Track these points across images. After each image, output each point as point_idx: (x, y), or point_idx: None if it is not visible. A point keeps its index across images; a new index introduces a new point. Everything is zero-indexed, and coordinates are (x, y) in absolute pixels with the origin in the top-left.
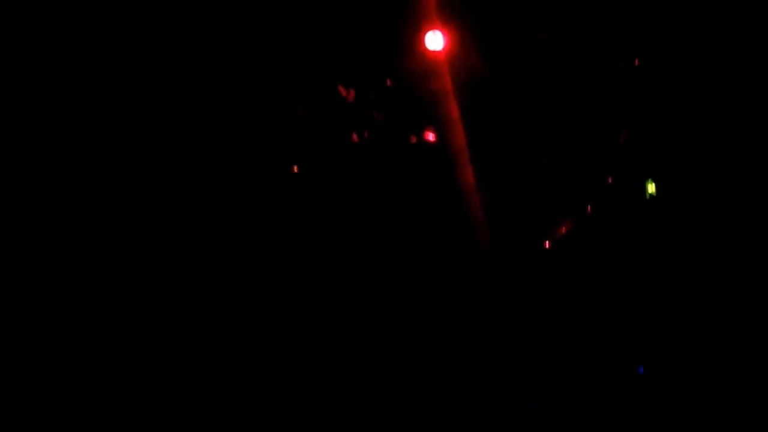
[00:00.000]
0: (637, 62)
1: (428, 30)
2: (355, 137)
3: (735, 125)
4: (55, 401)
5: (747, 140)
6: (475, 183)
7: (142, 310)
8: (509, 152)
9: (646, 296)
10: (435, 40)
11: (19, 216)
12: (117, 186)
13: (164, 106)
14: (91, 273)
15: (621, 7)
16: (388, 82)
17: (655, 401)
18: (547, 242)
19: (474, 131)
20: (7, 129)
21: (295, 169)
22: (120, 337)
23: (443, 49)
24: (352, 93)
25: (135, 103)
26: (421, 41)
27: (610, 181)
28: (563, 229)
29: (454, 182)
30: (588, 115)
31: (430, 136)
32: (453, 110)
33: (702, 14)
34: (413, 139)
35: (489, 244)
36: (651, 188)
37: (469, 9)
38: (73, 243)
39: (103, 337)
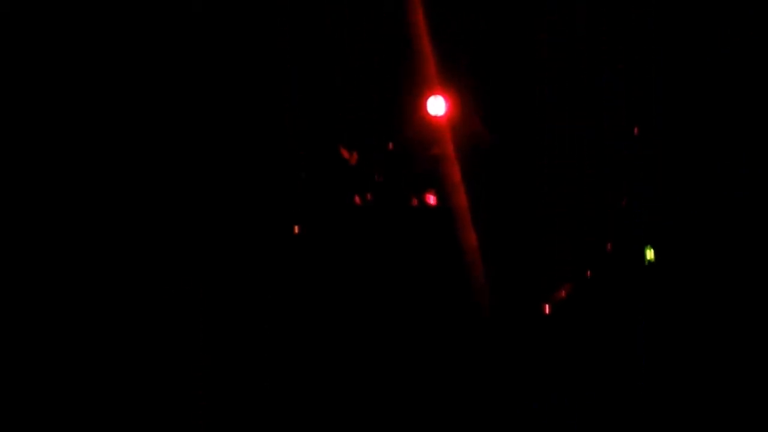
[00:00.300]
0: (636, 131)
1: (430, 95)
2: (357, 199)
3: (735, 126)
4: (55, 401)
5: (747, 140)
6: (476, 246)
7: (143, 311)
8: (510, 216)
9: (645, 358)
10: (437, 105)
11: (19, 216)
12: (118, 189)
13: (163, 119)
14: (92, 274)
15: (621, 7)
16: (390, 146)
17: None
18: (546, 306)
19: (475, 195)
20: (7, 129)
21: (296, 230)
22: (120, 337)
23: (445, 114)
24: (355, 155)
25: (134, 104)
26: (423, 106)
27: (609, 247)
28: (563, 294)
29: (456, 245)
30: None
31: (431, 199)
32: (455, 174)
33: (702, 14)
34: (415, 202)
35: (489, 307)
36: (650, 255)
37: (471, 75)
38: (74, 244)
39: (103, 337)
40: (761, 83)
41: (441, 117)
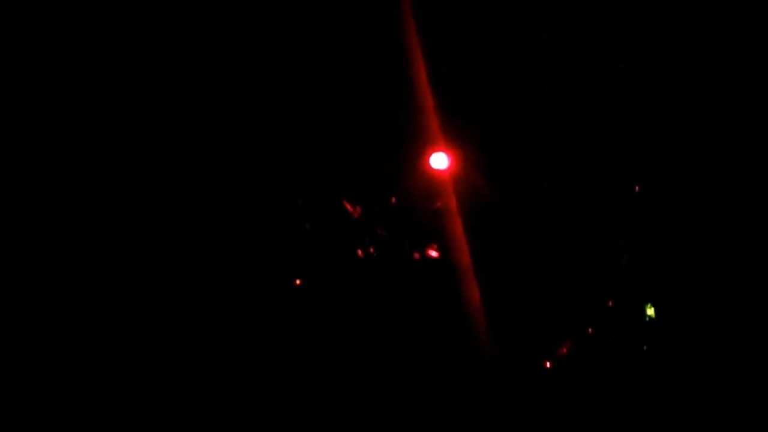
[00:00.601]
0: (637, 189)
1: (433, 150)
2: (359, 253)
3: (735, 126)
4: (55, 401)
5: (747, 140)
6: (478, 300)
7: (143, 311)
8: (513, 271)
9: (647, 413)
10: (439, 160)
11: (19, 216)
12: (116, 194)
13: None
14: (92, 274)
15: (621, 7)
16: (393, 200)
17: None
18: (547, 362)
19: (478, 249)
20: (7, 129)
21: (299, 282)
22: (120, 337)
23: (447, 168)
24: (358, 209)
25: (134, 105)
26: (426, 160)
27: (610, 304)
28: (564, 350)
29: (458, 299)
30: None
31: (434, 254)
32: (457, 228)
33: (702, 14)
34: (417, 256)
35: (491, 361)
36: (650, 312)
37: (473, 130)
38: (75, 244)
39: (103, 337)
40: (761, 83)
41: (444, 171)
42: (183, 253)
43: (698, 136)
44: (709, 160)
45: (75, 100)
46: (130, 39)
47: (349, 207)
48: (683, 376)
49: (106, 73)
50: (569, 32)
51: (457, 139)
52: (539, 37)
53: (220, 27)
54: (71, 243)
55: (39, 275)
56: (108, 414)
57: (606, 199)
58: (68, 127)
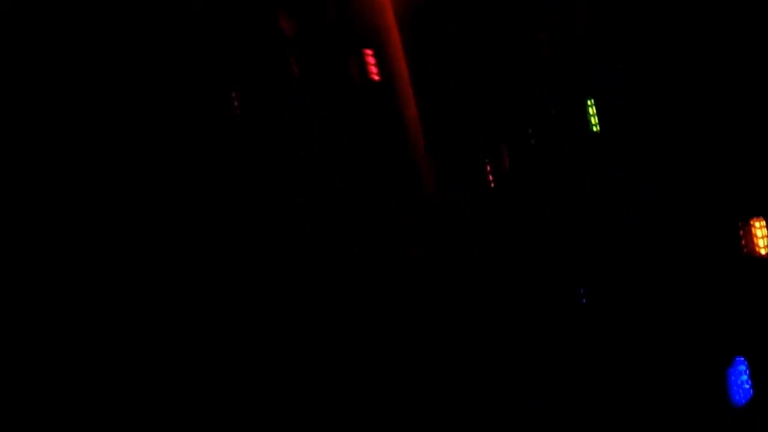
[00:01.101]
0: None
1: None
2: (296, 70)
3: (735, 126)
4: (55, 401)
5: (747, 140)
6: (418, 116)
7: (143, 310)
8: (452, 88)
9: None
10: None
11: (19, 216)
12: (115, 188)
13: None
14: (92, 273)
15: (621, 7)
16: (331, 15)
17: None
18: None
19: (417, 67)
20: (7, 129)
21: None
22: (120, 337)
23: None
24: (294, 25)
25: (134, 105)
26: None
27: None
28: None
29: (398, 117)
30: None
31: (373, 71)
32: (396, 44)
33: (702, 14)
34: (355, 73)
35: (434, 186)
36: (592, 111)
37: None
38: (74, 244)
39: (103, 337)
40: (761, 83)
41: None
42: (183, 251)
43: (698, 135)
44: (709, 160)
45: (75, 100)
46: (130, 39)
47: (284, 24)
48: (683, 378)
49: (105, 73)
50: (569, 32)
51: None
52: (539, 37)
53: (220, 27)
54: (71, 243)
55: (39, 275)
56: (108, 414)
57: (606, 198)
58: (68, 126)
